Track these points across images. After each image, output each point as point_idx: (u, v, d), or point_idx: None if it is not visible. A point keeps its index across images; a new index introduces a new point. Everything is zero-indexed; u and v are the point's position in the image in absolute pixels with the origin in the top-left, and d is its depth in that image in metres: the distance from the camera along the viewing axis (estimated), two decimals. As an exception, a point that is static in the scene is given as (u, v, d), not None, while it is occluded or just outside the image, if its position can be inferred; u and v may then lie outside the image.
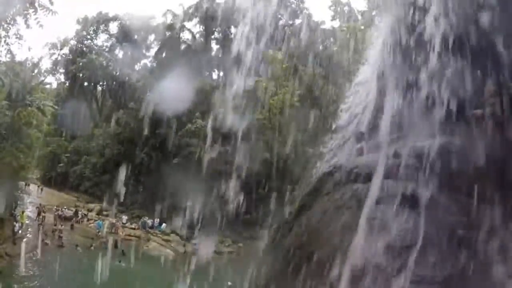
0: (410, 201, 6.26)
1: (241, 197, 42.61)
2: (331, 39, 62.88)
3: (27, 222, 39.74)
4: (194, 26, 69.68)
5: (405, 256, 5.71)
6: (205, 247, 43.80)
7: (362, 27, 55.24)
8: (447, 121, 7.28)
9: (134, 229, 50.85)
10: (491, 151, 6.49)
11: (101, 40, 75.13)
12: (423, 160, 6.61)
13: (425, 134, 7.33)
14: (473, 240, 5.94)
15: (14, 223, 35.38)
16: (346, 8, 63.34)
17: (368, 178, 7.00)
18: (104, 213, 54.72)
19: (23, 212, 39.87)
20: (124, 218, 52.04)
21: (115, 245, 42.35)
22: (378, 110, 9.53)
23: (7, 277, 28.71)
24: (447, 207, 6.21)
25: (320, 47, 60.60)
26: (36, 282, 29.78)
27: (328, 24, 65.69)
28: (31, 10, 23.31)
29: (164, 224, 50.73)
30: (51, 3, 23.52)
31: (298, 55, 55.36)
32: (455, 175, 6.40)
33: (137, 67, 72.37)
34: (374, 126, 8.93)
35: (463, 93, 7.33)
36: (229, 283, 30.03)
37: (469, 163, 6.49)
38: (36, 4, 23.18)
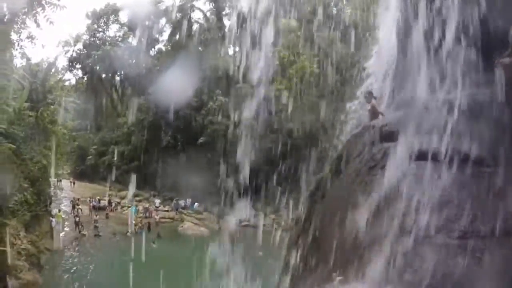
0: (443, 156, 6.09)
1: (270, 169, 42.70)
2: (344, 2, 61.59)
3: (63, 216, 40.70)
4: (204, 4, 68.98)
5: (445, 212, 5.56)
6: (238, 222, 44.28)
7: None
8: (475, 71, 7.04)
9: (167, 211, 51.73)
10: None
11: (113, 30, 75.16)
12: (453, 112, 6.42)
13: (453, 87, 7.12)
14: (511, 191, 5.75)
15: (51, 218, 36.27)
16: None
17: (398, 135, 6.83)
18: (137, 198, 55.61)
19: (59, 211, 40.80)
20: (157, 201, 52.89)
21: (149, 229, 43.21)
22: (401, 66, 9.31)
23: (50, 271, 29.59)
24: (482, 159, 6.02)
25: (334, 11, 59.42)
26: (77, 272, 30.69)
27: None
28: (39, 9, 23.28)
29: (196, 204, 51.40)
30: (58, -1, 23.46)
31: (312, 21, 54.40)
32: (485, 125, 6.20)
33: (152, 52, 72.32)
34: (400, 83, 8.73)
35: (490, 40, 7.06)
36: (260, 253, 30.56)
37: (499, 112, 6.27)
38: (43, 2, 23.13)
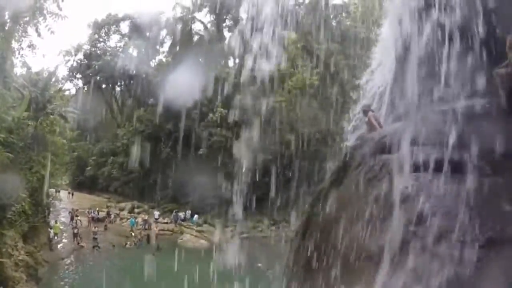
0: (441, 166, 6.08)
1: (270, 181, 42.64)
2: (343, 14, 62.04)
3: (61, 227, 40.55)
4: (205, 16, 69.51)
5: (443, 222, 5.54)
6: (238, 234, 44.15)
7: (374, -2, 54.27)
8: (474, 81, 7.06)
9: (167, 223, 51.56)
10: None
11: (114, 41, 75.74)
12: (451, 123, 6.43)
13: (452, 97, 7.15)
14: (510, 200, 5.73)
15: (49, 229, 36.12)
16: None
17: (397, 147, 6.83)
18: (136, 210, 55.49)
19: (56, 222, 40.66)
20: (156, 213, 52.74)
21: (148, 241, 43.05)
22: (400, 77, 9.34)
23: (48, 283, 29.36)
24: (480, 169, 6.01)
25: (333, 23, 59.79)
26: (75, 284, 30.44)
27: (339, -1, 64.91)
28: (40, 18, 23.44)
29: (196, 216, 51.26)
30: (60, 9, 23.65)
31: (312, 33, 54.73)
32: (484, 135, 6.19)
33: (152, 63, 72.66)
34: (398, 94, 8.76)
35: (489, 50, 7.09)
36: (259, 265, 30.40)
37: (497, 122, 6.28)
38: (45, 11, 23.29)
